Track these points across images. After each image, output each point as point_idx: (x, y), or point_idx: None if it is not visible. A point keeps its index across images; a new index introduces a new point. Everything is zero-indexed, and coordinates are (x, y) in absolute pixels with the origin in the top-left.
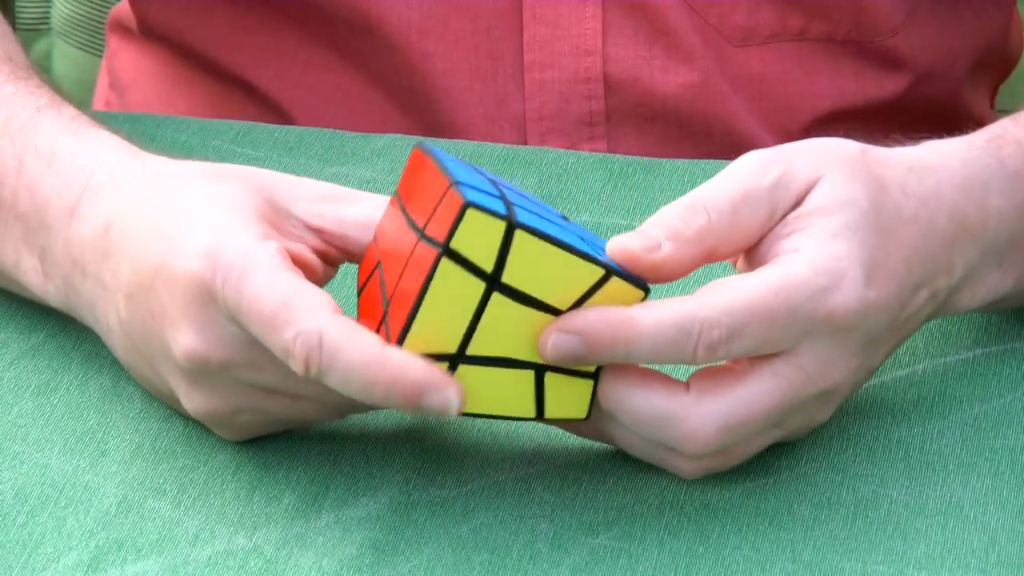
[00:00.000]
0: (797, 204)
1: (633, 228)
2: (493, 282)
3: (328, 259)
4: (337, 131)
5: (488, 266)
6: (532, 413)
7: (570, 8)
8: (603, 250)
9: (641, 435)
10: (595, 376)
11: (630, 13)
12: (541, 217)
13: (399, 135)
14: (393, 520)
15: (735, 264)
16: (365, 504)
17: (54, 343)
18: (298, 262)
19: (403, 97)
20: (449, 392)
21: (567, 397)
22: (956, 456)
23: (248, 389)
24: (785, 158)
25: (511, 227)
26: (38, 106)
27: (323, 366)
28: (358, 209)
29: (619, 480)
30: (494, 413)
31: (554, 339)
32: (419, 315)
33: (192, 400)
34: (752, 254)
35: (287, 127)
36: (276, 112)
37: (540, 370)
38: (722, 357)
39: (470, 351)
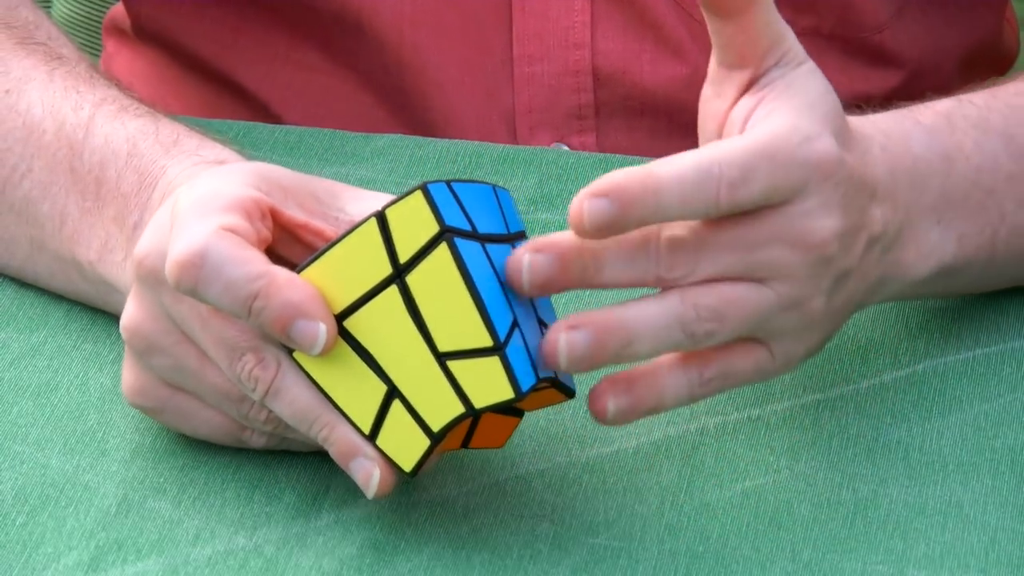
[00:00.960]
0: (783, 64)
1: None
2: (398, 275)
3: None
4: (337, 131)
5: (403, 256)
6: (366, 429)
7: (559, 1)
8: (528, 358)
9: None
10: (436, 439)
11: (618, 6)
12: (498, 280)
13: (399, 135)
14: (393, 520)
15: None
16: (365, 504)
17: (54, 343)
18: (307, 228)
19: (392, 96)
20: (321, 326)
21: (403, 438)
22: (956, 456)
23: (168, 321)
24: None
25: (441, 235)
26: (151, 109)
27: (205, 275)
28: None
29: (619, 480)
30: (336, 402)
31: (587, 205)
32: (323, 258)
33: (126, 309)
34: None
35: (287, 127)
36: (266, 115)
37: (391, 393)
38: (742, 199)
39: (347, 324)
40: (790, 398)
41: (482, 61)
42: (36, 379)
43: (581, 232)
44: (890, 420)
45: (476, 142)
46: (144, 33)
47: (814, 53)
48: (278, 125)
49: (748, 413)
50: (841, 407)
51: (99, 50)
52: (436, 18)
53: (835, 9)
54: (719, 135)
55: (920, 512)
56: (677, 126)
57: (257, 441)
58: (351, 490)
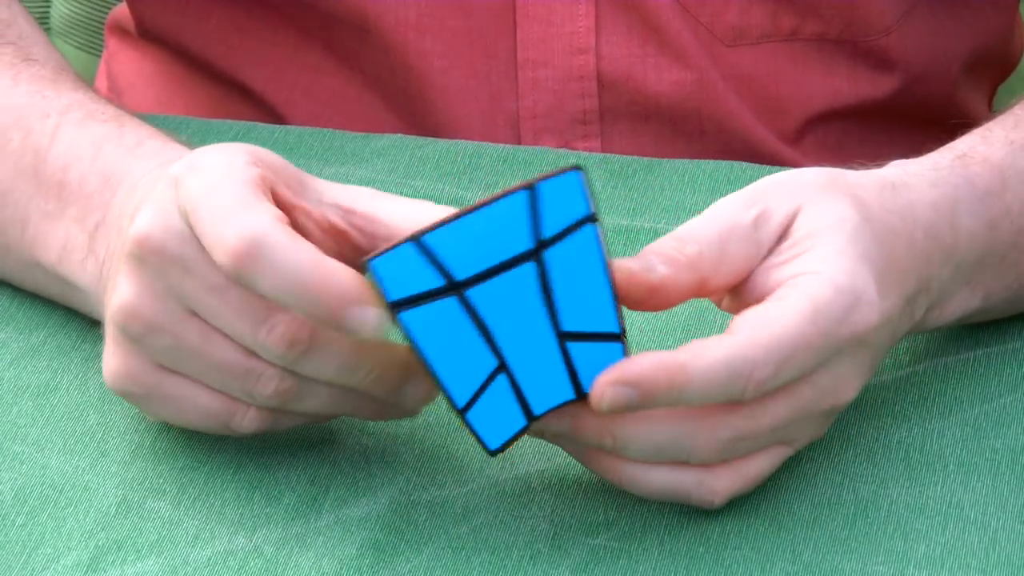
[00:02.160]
0: (782, 238)
1: (633, 228)
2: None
3: (342, 241)
4: (337, 131)
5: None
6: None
7: (563, 6)
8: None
9: (655, 459)
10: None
11: (623, 11)
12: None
13: (399, 135)
14: (393, 520)
15: (720, 304)
16: (365, 504)
17: (54, 343)
18: (291, 214)
19: (398, 99)
20: (371, 311)
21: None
22: (956, 456)
23: (170, 299)
24: (762, 195)
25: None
26: (117, 112)
27: (259, 264)
28: (393, 202)
29: None
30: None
31: (610, 392)
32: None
33: (120, 291)
34: (742, 290)
35: (287, 127)
36: (271, 115)
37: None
38: (767, 390)
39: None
40: None
41: (486, 66)
42: (36, 379)
43: (596, 409)
44: (890, 420)
45: (477, 142)
46: (149, 34)
47: (820, 58)
48: (278, 125)
49: None
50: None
51: (99, 50)
52: (440, 23)
53: (842, 14)
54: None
55: (920, 512)
56: (681, 131)
57: (248, 426)
58: (351, 490)
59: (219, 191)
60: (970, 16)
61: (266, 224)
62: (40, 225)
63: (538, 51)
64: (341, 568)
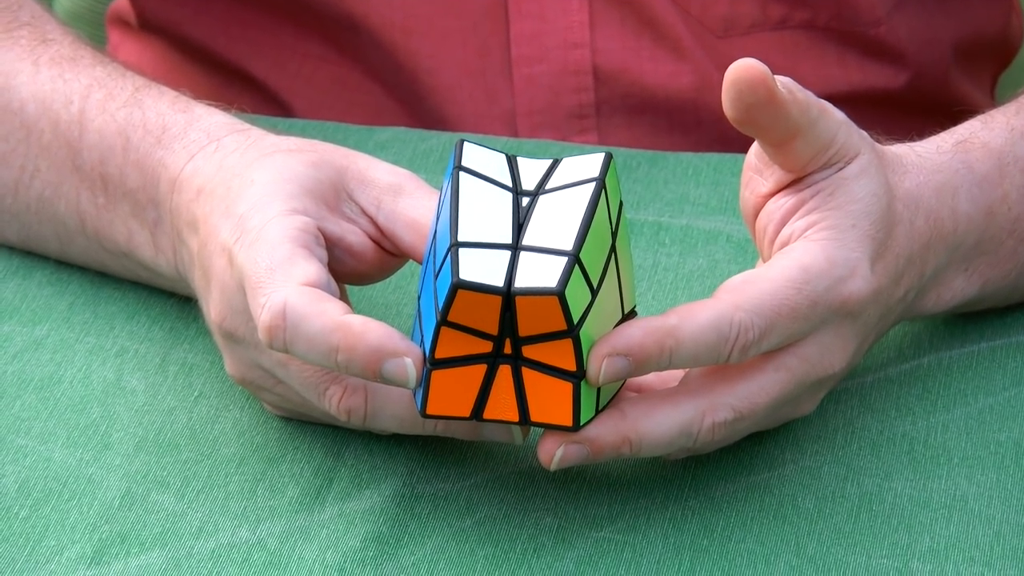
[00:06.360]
0: (828, 162)
1: (638, 221)
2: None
3: (384, 243)
4: (340, 124)
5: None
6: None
7: (555, 2)
8: None
9: (666, 451)
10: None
11: (616, 5)
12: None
13: (402, 128)
14: (397, 513)
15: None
16: (369, 497)
17: (57, 336)
18: (341, 244)
19: (398, 90)
20: (406, 361)
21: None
22: (961, 450)
23: (257, 367)
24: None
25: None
26: (136, 86)
27: (287, 336)
28: (413, 205)
29: (623, 473)
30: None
31: (607, 364)
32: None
33: (226, 365)
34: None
35: (290, 120)
36: (274, 102)
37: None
38: (751, 356)
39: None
40: None
41: (481, 64)
42: (39, 373)
43: (593, 383)
44: (895, 414)
45: (481, 135)
46: (150, 26)
47: (811, 47)
48: (282, 118)
49: None
50: (846, 400)
51: (101, 43)
52: (429, 24)
53: (830, 3)
54: (754, 217)
55: (925, 506)
56: (678, 123)
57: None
58: (355, 483)
59: (258, 263)
60: (961, 5)
61: (292, 295)
62: (99, 219)
63: (532, 47)
64: (345, 560)
